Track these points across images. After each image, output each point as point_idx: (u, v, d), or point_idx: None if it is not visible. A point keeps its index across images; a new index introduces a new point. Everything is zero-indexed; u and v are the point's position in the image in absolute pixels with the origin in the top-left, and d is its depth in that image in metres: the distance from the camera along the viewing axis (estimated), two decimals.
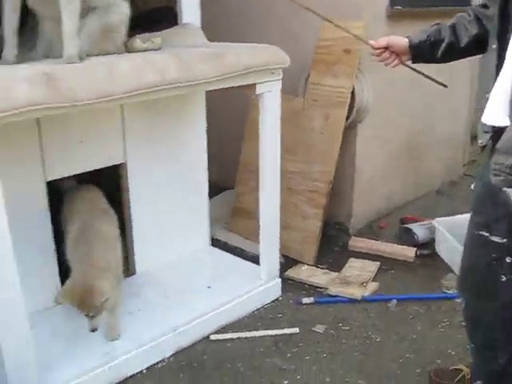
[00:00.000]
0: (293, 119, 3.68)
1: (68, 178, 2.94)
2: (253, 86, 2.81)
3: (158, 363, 2.75)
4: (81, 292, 2.40)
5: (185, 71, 2.43)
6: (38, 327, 2.40)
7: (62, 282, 2.73)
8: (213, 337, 2.93)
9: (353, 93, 3.61)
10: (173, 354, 2.81)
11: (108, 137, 2.98)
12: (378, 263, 3.62)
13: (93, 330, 2.47)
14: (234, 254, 3.63)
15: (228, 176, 4.27)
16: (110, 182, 3.18)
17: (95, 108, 2.19)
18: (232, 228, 4.07)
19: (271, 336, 2.95)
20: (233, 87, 2.73)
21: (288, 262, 3.60)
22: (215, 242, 3.77)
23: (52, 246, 2.88)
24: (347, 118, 3.63)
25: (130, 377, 2.66)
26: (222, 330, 2.99)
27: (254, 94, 2.87)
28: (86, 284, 2.41)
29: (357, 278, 3.43)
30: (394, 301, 3.24)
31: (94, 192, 3.04)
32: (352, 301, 3.25)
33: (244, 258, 3.56)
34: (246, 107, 3.97)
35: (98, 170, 2.97)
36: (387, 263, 3.66)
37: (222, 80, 2.58)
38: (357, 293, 3.27)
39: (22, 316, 2.21)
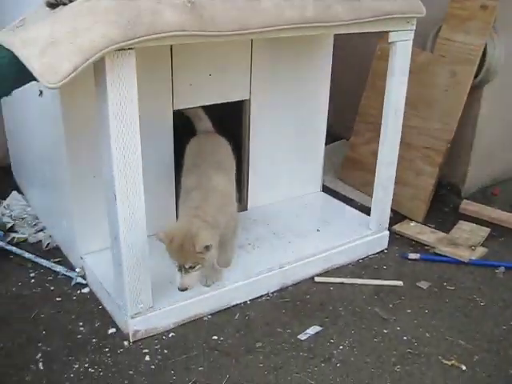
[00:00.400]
0: (417, 73, 3.60)
1: (202, 121, 3.02)
2: (386, 33, 2.77)
3: (262, 296, 2.85)
4: (182, 236, 2.32)
5: (322, 11, 2.42)
6: (151, 251, 2.45)
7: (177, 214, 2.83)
8: (317, 279, 2.99)
9: (484, 51, 3.50)
10: (277, 290, 2.89)
11: (236, 72, 3.04)
12: (489, 229, 3.55)
13: (182, 290, 2.39)
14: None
15: (343, 125, 4.26)
16: (229, 119, 3.26)
17: (233, 40, 2.22)
18: (343, 177, 4.08)
19: (374, 285, 2.98)
20: (366, 32, 2.70)
21: (396, 216, 3.58)
22: (325, 189, 3.79)
23: (172, 173, 3.00)
24: (475, 76, 3.53)
25: (235, 306, 2.77)
26: (327, 273, 3.05)
27: (386, 43, 2.83)
28: (190, 230, 2.34)
29: (466, 240, 3.38)
30: (502, 268, 3.17)
31: (219, 144, 2.96)
32: (458, 262, 3.21)
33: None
34: (370, 56, 3.92)
35: (219, 105, 3.03)
36: (498, 230, 3.58)
37: (359, 24, 2.55)
38: (465, 255, 3.23)
39: (143, 236, 2.33)
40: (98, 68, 2.04)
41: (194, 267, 2.34)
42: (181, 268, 2.34)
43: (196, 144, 2.93)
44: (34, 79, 1.97)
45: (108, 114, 2.06)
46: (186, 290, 2.38)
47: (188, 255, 2.31)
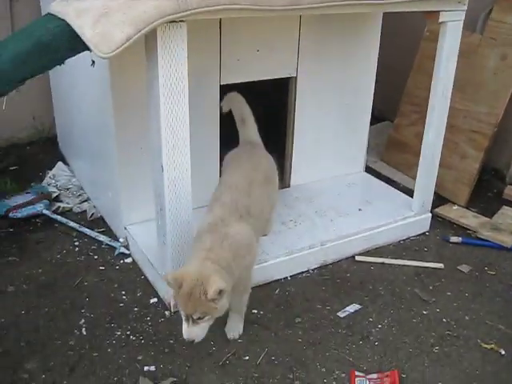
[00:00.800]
0: (466, 55, 3.54)
1: (246, 126, 2.79)
2: (436, 13, 2.73)
3: (302, 273, 2.87)
4: (193, 281, 2.01)
5: None
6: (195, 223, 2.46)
7: None
8: (358, 258, 3.00)
9: None
10: (317, 268, 2.91)
11: (283, 49, 3.04)
12: None
13: (189, 341, 2.09)
14: None
15: (387, 106, 4.23)
16: (274, 96, 3.27)
17: (283, 15, 2.23)
18: (386, 159, 4.05)
19: (415, 267, 2.97)
20: (415, 12, 2.67)
21: (438, 199, 3.55)
22: (367, 170, 3.78)
23: (217, 148, 3.03)
24: None
25: (276, 281, 2.79)
26: (368, 252, 3.05)
27: (436, 24, 2.79)
28: (202, 274, 2.03)
29: (509, 226, 3.33)
30: None
31: (259, 169, 2.60)
32: (501, 248, 3.17)
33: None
34: (417, 37, 3.88)
35: (265, 82, 3.03)
36: None
37: (409, 2, 2.53)
38: (507, 241, 3.19)
39: (188, 208, 2.36)
40: (149, 39, 2.07)
41: (203, 318, 2.04)
42: (188, 318, 2.05)
43: (232, 162, 2.65)
44: (87, 49, 2.00)
45: (158, 85, 2.08)
46: (193, 342, 2.08)
47: (198, 304, 2.00)
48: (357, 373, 2.27)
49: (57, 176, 3.70)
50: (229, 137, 2.90)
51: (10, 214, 3.23)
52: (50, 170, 3.75)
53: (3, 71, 2.02)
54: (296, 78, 3.12)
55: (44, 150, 4.17)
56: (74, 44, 2.03)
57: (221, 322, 2.39)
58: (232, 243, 2.19)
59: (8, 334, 2.42)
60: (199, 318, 2.03)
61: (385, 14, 3.24)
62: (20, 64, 2.03)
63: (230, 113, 2.88)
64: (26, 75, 2.06)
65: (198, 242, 2.22)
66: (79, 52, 2.07)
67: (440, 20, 2.75)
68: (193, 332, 2.05)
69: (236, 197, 2.36)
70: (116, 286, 2.73)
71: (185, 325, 2.06)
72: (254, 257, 2.38)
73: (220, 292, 1.99)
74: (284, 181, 3.36)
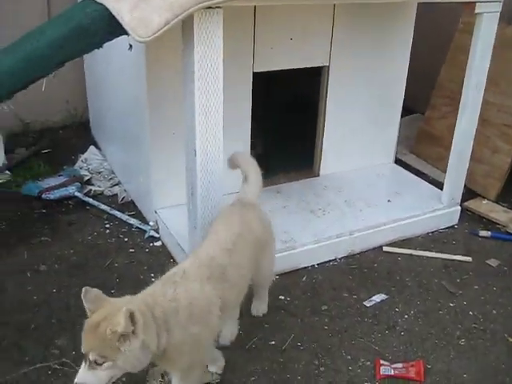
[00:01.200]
0: (501, 48, 3.50)
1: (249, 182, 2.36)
2: (472, 4, 2.72)
3: (329, 261, 2.88)
4: (105, 314, 1.64)
5: None
6: None
7: None
8: (386, 248, 3.00)
9: None
10: (345, 257, 2.92)
11: (317, 38, 3.04)
12: None
13: None
14: None
15: (418, 99, 4.20)
16: (305, 85, 3.28)
17: (319, 3, 2.23)
18: (416, 151, 4.04)
19: (443, 259, 2.97)
20: (450, 3, 2.66)
21: (468, 193, 3.53)
22: (397, 162, 3.77)
23: (248, 134, 3.06)
24: None
25: (303, 268, 2.82)
26: (395, 243, 3.06)
27: (470, 16, 2.78)
28: (119, 309, 1.61)
29: None
30: None
31: (254, 220, 2.23)
32: None
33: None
34: (450, 30, 3.85)
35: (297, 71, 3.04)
36: None
37: None
38: None
39: (219, 193, 2.38)
40: (186, 25, 2.09)
41: (101, 364, 1.61)
42: (86, 359, 1.63)
43: (223, 217, 2.25)
44: (125, 33, 2.03)
45: (194, 70, 2.10)
46: None
47: (99, 340, 1.61)
48: (382, 361, 2.28)
49: (89, 160, 3.76)
50: (259, 123, 2.93)
51: (43, 196, 3.30)
52: (82, 153, 3.81)
53: (42, 56, 2.06)
54: (329, 67, 3.12)
55: (76, 134, 4.23)
56: (112, 28, 2.05)
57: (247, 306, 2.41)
58: (183, 295, 1.82)
59: (40, 312, 2.47)
60: (96, 363, 1.61)
61: (418, 4, 3.22)
62: (58, 48, 2.06)
63: (263, 99, 2.92)
64: (64, 58, 2.09)
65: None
66: (117, 36, 2.10)
67: (476, 11, 2.73)
68: (85, 378, 1.63)
69: (213, 253, 2.01)
70: (145, 268, 2.77)
71: (81, 366, 1.65)
72: (210, 331, 1.92)
73: (123, 335, 1.59)
74: (313, 170, 3.37)
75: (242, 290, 2.11)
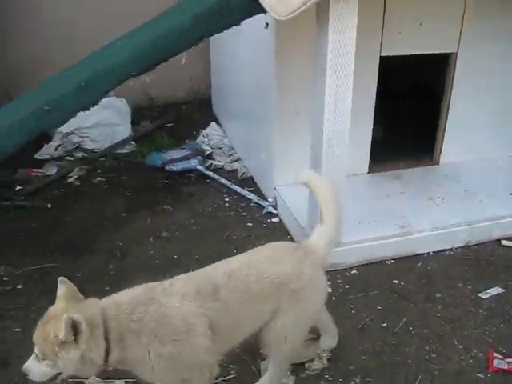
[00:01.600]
0: None
1: None
2: None
3: (445, 250, 2.86)
4: (59, 311, 1.63)
5: None
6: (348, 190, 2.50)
7: (372, 156, 2.90)
8: (504, 242, 2.94)
9: None
10: (461, 247, 2.88)
11: (446, 23, 2.99)
12: None
13: (24, 371, 1.67)
14: None
15: None
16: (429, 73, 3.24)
17: None
18: None
19: None
20: None
21: None
22: None
23: (371, 120, 3.06)
24: None
25: (418, 255, 2.81)
26: None
27: None
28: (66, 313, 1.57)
29: None
30: None
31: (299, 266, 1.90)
32: None
33: None
34: None
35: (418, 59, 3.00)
36: None
37: None
38: None
39: (342, 174, 2.42)
40: (321, 7, 2.12)
41: (43, 360, 1.63)
42: (36, 353, 1.64)
43: (254, 251, 2.03)
44: (262, 11, 2.09)
45: (327, 51, 2.15)
46: (26, 374, 1.68)
47: (43, 338, 1.61)
48: (495, 354, 2.25)
49: (210, 135, 3.88)
50: (380, 109, 2.93)
51: (166, 167, 3.45)
52: (204, 129, 3.94)
53: (184, 30, 2.16)
54: (457, 54, 3.06)
55: (199, 109, 4.38)
56: (250, 6, 2.13)
57: (361, 289, 2.43)
58: (152, 315, 1.69)
59: (160, 276, 2.59)
60: (37, 357, 1.64)
61: None
62: (200, 23, 2.17)
63: (385, 86, 2.91)
64: (204, 34, 2.19)
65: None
66: (255, 14, 2.18)
67: None
68: (31, 366, 1.65)
69: (211, 272, 1.87)
70: (263, 242, 2.80)
71: (32, 355, 1.66)
72: (195, 349, 1.75)
73: (64, 342, 1.56)
74: (433, 158, 3.34)
75: (243, 319, 1.87)
